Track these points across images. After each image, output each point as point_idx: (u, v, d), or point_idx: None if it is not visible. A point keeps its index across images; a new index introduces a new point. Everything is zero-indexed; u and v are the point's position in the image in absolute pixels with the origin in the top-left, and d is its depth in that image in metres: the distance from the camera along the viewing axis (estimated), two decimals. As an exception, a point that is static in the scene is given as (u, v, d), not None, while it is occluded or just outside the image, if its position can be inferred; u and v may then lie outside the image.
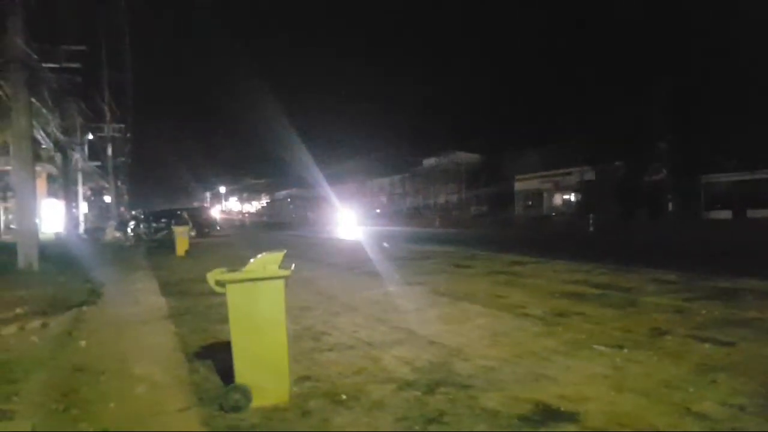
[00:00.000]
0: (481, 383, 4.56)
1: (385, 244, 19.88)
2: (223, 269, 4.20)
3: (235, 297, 4.15)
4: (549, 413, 3.95)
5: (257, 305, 4.18)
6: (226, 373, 4.49)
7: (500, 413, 3.96)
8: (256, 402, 4.16)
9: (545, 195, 33.51)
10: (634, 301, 7.78)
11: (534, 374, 4.76)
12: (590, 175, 30.07)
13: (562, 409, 4.01)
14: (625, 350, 5.36)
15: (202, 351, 5.91)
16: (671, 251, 13.15)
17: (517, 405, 4.10)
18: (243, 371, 4.21)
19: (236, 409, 4.12)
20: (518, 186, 34.29)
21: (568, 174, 31.54)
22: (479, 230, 18.65)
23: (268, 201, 66.40)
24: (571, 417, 3.87)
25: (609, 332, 6.08)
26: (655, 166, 28.56)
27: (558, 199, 33.52)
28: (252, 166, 72.05)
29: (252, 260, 4.18)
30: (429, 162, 37.89)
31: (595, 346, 5.52)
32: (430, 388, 4.48)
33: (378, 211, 32.79)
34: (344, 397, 4.38)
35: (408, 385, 4.61)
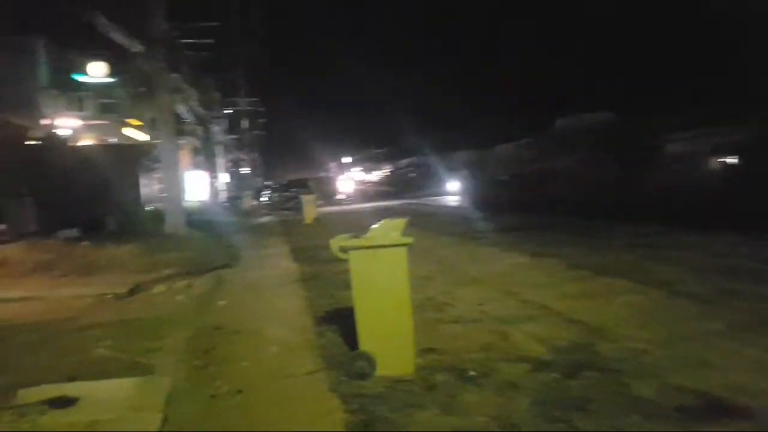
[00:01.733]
0: (631, 368, 4.03)
1: (508, 212, 19.11)
2: (346, 236, 4.08)
3: (357, 264, 4.02)
4: (715, 406, 3.37)
5: (379, 273, 4.03)
6: (352, 339, 4.42)
7: (656, 404, 3.44)
8: (381, 371, 4.04)
9: (698, 158, 29.79)
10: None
11: (694, 360, 4.12)
12: (754, 135, 26.09)
13: (732, 402, 3.40)
14: (811, 337, 4.48)
15: (328, 316, 5.96)
16: None
17: (676, 395, 3.54)
18: (366, 339, 4.11)
19: (361, 376, 4.03)
20: (666, 148, 30.86)
21: (726, 134, 27.68)
22: (618, 197, 17.18)
23: (390, 170, 67.25)
24: (743, 412, 3.26)
25: (787, 315, 5.15)
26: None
27: (714, 162, 29.62)
28: (375, 135, 73.25)
29: (374, 227, 4.01)
30: (560, 123, 35.38)
31: (771, 331, 4.68)
32: (571, 371, 4.04)
33: (504, 178, 31.40)
34: (473, 373, 4.10)
35: (545, 365, 4.21)
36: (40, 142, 14.40)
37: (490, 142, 38.69)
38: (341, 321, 5.45)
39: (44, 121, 16.52)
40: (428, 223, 16.08)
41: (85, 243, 9.76)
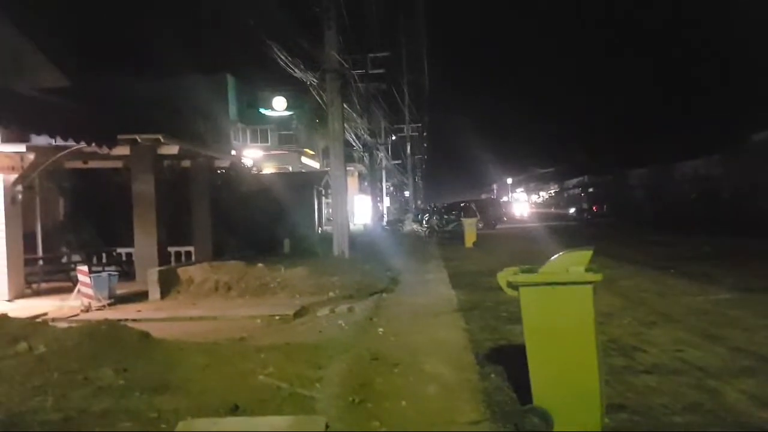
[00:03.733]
0: None
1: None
2: (516, 268, 3.53)
3: (530, 303, 3.44)
4: None
5: (558, 314, 3.40)
6: (520, 384, 3.87)
7: None
8: (559, 429, 3.39)
9: None
10: None
11: None
12: None
13: None
14: None
15: (492, 353, 5.42)
16: None
17: None
18: (541, 391, 3.49)
19: (534, 435, 3.41)
20: None
21: None
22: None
23: (556, 190, 63.96)
24: None
25: None
26: None
27: None
28: (540, 155, 70.21)
29: (552, 258, 3.40)
30: (758, 138, 30.44)
31: None
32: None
33: (693, 196, 27.91)
34: (678, 443, 3.26)
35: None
36: (226, 172, 15.97)
37: (670, 157, 34.59)
38: (507, 361, 4.89)
39: (232, 152, 18.35)
40: (604, 248, 14.56)
41: (260, 265, 10.37)
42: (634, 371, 4.70)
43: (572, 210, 42.07)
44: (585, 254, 3.33)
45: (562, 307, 3.35)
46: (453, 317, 7.40)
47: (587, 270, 3.29)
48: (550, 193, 65.96)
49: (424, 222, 30.13)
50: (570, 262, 3.34)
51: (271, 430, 3.33)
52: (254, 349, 5.62)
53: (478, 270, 11.79)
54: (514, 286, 3.51)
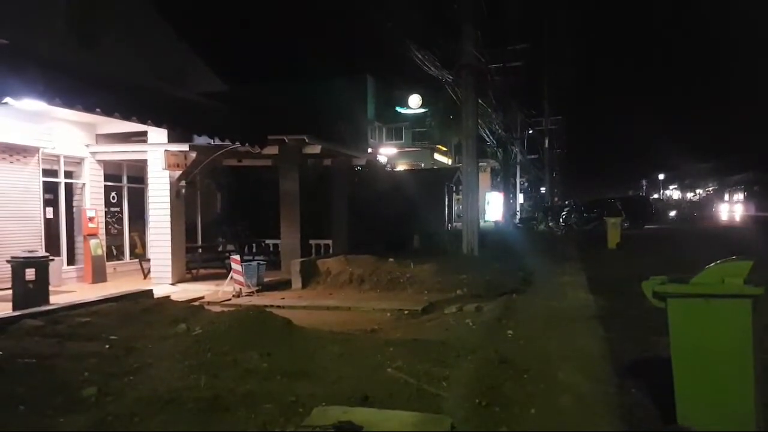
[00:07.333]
0: None
1: None
2: (663, 277, 3.25)
3: (678, 316, 3.16)
4: None
5: (711, 329, 3.11)
6: (664, 403, 3.55)
7: None
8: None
9: None
10: None
11: None
12: None
13: None
14: None
15: (634, 366, 5.05)
16: None
17: None
18: (687, 411, 3.24)
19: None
20: None
21: None
22: None
23: (714, 188, 57.40)
24: None
25: None
26: None
27: None
28: (697, 149, 63.18)
29: (709, 267, 3.09)
30: None
31: None
32: None
33: None
34: None
35: None
36: (362, 169, 16.58)
37: None
38: (650, 375, 4.53)
39: (368, 150, 18.99)
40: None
41: (391, 260, 10.64)
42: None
43: (672, 214, 40.50)
44: (743, 265, 2.98)
45: (716, 322, 3.05)
46: (591, 324, 6.98)
47: (746, 282, 2.94)
48: (707, 191, 59.40)
49: (560, 220, 28.77)
50: (726, 273, 3.02)
51: (398, 424, 3.40)
52: (384, 342, 5.78)
53: (620, 274, 10.97)
54: (660, 297, 3.25)
